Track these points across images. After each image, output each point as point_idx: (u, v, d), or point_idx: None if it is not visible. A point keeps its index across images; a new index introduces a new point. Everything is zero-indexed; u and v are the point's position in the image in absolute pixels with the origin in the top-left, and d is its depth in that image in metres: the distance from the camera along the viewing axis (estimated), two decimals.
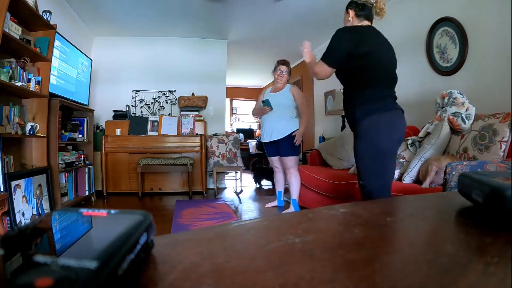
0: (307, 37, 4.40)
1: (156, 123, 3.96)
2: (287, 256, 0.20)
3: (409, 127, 2.67)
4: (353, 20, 1.59)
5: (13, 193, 2.05)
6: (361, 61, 1.48)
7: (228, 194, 4.02)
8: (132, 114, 4.12)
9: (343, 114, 3.57)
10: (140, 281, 0.17)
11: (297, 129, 2.83)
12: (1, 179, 1.94)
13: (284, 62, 2.96)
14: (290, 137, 2.80)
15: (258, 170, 4.72)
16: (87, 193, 3.26)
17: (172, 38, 4.39)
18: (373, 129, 1.45)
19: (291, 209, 2.84)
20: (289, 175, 2.84)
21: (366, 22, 1.59)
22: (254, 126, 8.33)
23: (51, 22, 2.59)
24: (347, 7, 1.62)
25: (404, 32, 2.98)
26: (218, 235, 0.25)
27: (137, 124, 3.89)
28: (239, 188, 4.03)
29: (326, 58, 1.56)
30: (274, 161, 2.96)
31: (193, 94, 4.31)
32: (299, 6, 3.39)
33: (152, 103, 4.32)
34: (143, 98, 4.30)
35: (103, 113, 3.97)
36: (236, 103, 8.28)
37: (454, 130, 2.01)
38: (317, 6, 3.37)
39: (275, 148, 2.87)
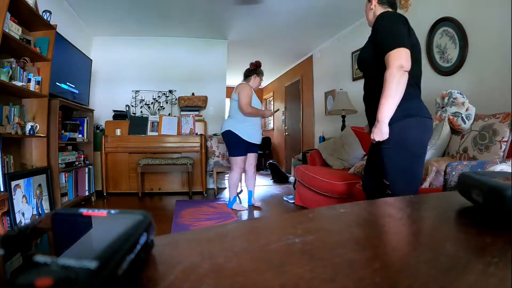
0: (307, 37, 4.42)
1: (156, 123, 3.96)
2: (287, 256, 0.20)
3: None
4: (376, 8, 1.44)
5: (13, 193, 2.05)
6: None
7: (228, 194, 4.01)
8: (132, 114, 4.12)
9: (343, 114, 3.60)
10: (140, 281, 0.17)
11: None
12: (1, 179, 1.94)
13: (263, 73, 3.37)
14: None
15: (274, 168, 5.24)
16: (87, 193, 3.26)
17: (172, 38, 4.39)
18: (409, 130, 1.29)
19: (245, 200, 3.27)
20: (253, 170, 3.17)
21: (390, 10, 1.43)
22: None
23: (51, 22, 2.59)
24: None
25: None
26: (218, 235, 0.25)
27: (137, 124, 3.89)
28: (239, 188, 4.02)
29: (401, 42, 1.23)
30: (243, 161, 2.98)
31: (193, 94, 4.31)
32: (299, 6, 3.39)
33: (152, 103, 4.32)
34: (143, 98, 4.30)
35: (103, 113, 3.97)
36: None
37: (454, 130, 2.01)
38: (317, 6, 3.37)
39: (251, 148, 3.01)
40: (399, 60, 1.21)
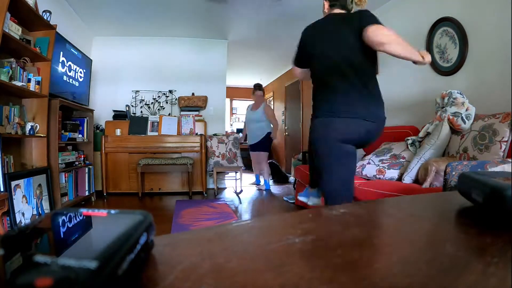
0: None
1: (156, 123, 3.96)
2: (287, 256, 0.20)
3: (409, 127, 2.68)
4: (328, 11, 1.55)
5: (13, 193, 2.05)
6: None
7: (228, 194, 4.02)
8: (132, 114, 4.12)
9: None
10: (140, 281, 0.17)
11: (269, 132, 4.11)
12: (1, 179, 1.94)
13: (259, 88, 4.19)
14: (263, 140, 4.10)
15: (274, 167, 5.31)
16: (87, 193, 3.26)
17: (172, 38, 4.39)
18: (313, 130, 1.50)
19: (263, 186, 4.36)
20: (263, 164, 4.23)
21: (337, 10, 1.51)
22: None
23: (51, 22, 2.59)
24: None
25: (404, 32, 2.98)
26: (218, 235, 0.25)
27: (137, 124, 3.89)
28: (239, 188, 4.02)
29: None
30: (255, 155, 4.23)
31: (193, 94, 4.31)
32: (299, 6, 3.39)
33: (152, 103, 4.32)
34: (143, 98, 4.30)
35: (103, 113, 3.97)
36: (236, 103, 8.28)
37: (454, 130, 2.01)
38: (317, 6, 3.36)
39: (255, 147, 4.18)
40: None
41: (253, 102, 4.24)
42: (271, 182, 5.09)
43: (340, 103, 1.37)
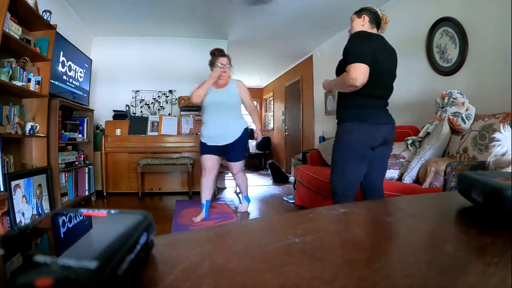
0: (307, 37, 4.42)
1: (156, 123, 3.96)
2: (287, 256, 0.20)
3: (409, 127, 2.68)
4: (366, 25, 1.63)
5: (13, 193, 2.05)
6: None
7: (228, 194, 4.02)
8: (132, 114, 4.12)
9: None
10: (140, 281, 0.17)
11: (246, 127, 2.62)
12: (1, 179, 1.94)
13: (222, 53, 2.66)
14: (240, 140, 2.55)
15: (274, 168, 5.27)
16: (87, 193, 3.26)
17: (172, 38, 4.39)
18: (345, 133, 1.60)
19: (245, 204, 2.92)
20: (239, 179, 2.76)
21: (375, 30, 1.65)
22: (254, 127, 8.32)
23: (51, 22, 2.59)
24: (360, 12, 1.65)
25: (404, 32, 2.98)
26: (218, 235, 0.25)
27: (137, 124, 3.89)
28: (239, 188, 4.02)
29: (357, 57, 1.47)
30: (210, 160, 2.53)
31: None
32: (299, 6, 3.39)
33: (152, 103, 4.32)
34: (143, 98, 4.30)
35: (103, 113, 3.97)
36: None
37: (454, 130, 2.01)
38: (317, 6, 3.37)
39: (220, 149, 2.55)
40: (353, 71, 1.46)
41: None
42: (270, 182, 5.10)
43: (386, 113, 1.63)
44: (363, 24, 1.63)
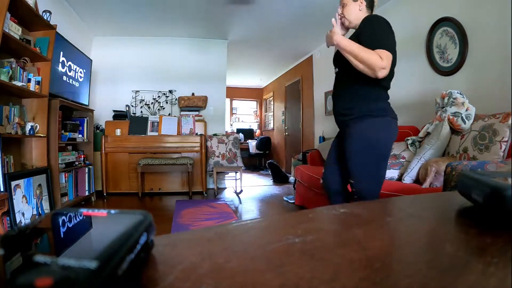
0: (307, 37, 4.42)
1: (156, 123, 3.96)
2: (287, 256, 0.20)
3: (409, 127, 2.68)
4: (363, 11, 1.48)
5: (13, 193, 2.05)
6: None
7: (228, 194, 4.02)
8: (132, 114, 4.12)
9: None
10: (140, 281, 0.17)
11: None
12: (1, 179, 1.93)
13: None
14: None
15: (274, 168, 5.23)
16: (87, 193, 3.26)
17: (172, 38, 4.39)
18: (378, 129, 1.35)
19: None
20: None
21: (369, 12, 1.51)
22: (254, 126, 8.33)
23: (51, 22, 2.59)
24: None
25: (404, 32, 2.98)
26: (218, 235, 0.25)
27: (137, 124, 3.89)
28: (239, 188, 4.03)
29: (391, 46, 1.29)
30: None
31: (193, 94, 4.31)
32: (299, 6, 3.39)
33: (152, 103, 4.32)
34: (143, 98, 4.30)
35: (103, 113, 3.97)
36: (236, 103, 8.28)
37: (454, 130, 2.01)
38: (317, 6, 3.37)
39: None
40: (387, 61, 1.24)
41: None
42: (270, 182, 5.10)
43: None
44: (360, 9, 1.48)
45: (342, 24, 1.54)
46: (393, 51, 1.28)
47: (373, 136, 1.33)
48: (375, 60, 1.23)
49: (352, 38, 1.41)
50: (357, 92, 1.38)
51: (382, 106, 1.36)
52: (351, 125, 1.38)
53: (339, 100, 1.47)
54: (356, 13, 1.48)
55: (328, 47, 1.50)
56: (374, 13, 1.52)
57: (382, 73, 1.23)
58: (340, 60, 1.43)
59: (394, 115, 1.40)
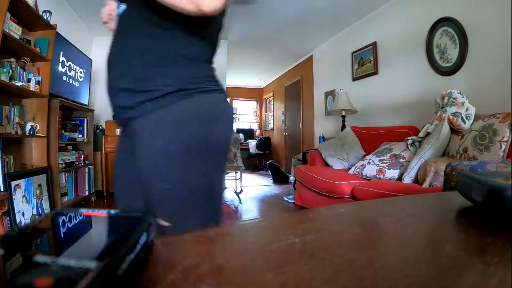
0: (307, 37, 4.41)
1: None
2: (287, 256, 0.20)
3: (409, 127, 2.68)
4: None
5: (13, 193, 2.05)
6: None
7: (228, 194, 4.02)
8: None
9: (343, 114, 3.59)
10: (140, 281, 0.17)
11: None
12: (1, 179, 1.93)
13: None
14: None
15: (274, 168, 5.24)
16: (87, 193, 3.26)
17: None
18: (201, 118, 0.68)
19: None
20: None
21: None
22: (254, 126, 8.33)
23: (51, 22, 2.59)
24: None
25: (404, 32, 2.98)
26: (218, 235, 0.25)
27: None
28: (239, 188, 4.02)
29: None
30: None
31: None
32: (299, 6, 3.39)
33: None
34: None
35: (103, 113, 3.97)
36: (236, 103, 8.28)
37: (454, 130, 2.01)
38: (317, 6, 3.37)
39: None
40: None
41: None
42: (270, 182, 5.10)
43: None
44: None
45: None
46: None
47: (191, 130, 0.66)
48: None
49: None
50: (157, 49, 0.67)
51: (205, 73, 0.73)
52: (145, 114, 0.67)
53: (120, 66, 0.71)
54: None
55: None
56: None
57: (211, 2, 0.60)
58: None
59: (221, 88, 0.76)
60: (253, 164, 7.20)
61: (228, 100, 0.77)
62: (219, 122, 0.70)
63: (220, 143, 0.70)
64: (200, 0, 0.60)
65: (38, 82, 2.46)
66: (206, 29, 0.73)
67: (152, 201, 0.68)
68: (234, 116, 0.81)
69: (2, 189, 1.94)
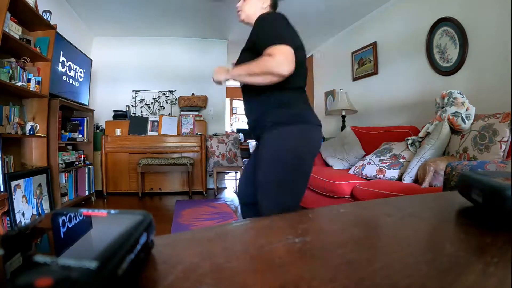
0: (307, 37, 4.41)
1: (156, 123, 3.96)
2: (287, 256, 0.20)
3: (409, 127, 2.68)
4: (266, 9, 1.34)
5: (13, 193, 2.05)
6: (298, 54, 1.10)
7: (228, 194, 4.02)
8: (132, 114, 4.12)
9: (343, 114, 3.59)
10: (140, 281, 0.17)
11: None
12: (1, 179, 1.93)
13: None
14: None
15: None
16: (87, 193, 3.26)
17: (172, 38, 4.39)
18: (288, 138, 1.13)
19: None
20: None
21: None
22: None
23: (51, 22, 2.59)
24: None
25: (404, 32, 2.98)
26: (218, 235, 0.25)
27: (137, 124, 3.89)
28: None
29: (287, 40, 1.06)
30: None
31: (193, 94, 4.31)
32: (299, 6, 3.39)
33: (152, 103, 4.32)
34: (143, 98, 4.30)
35: (103, 113, 3.97)
36: (236, 103, 8.28)
37: (454, 130, 2.01)
38: (317, 6, 3.37)
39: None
40: (280, 54, 1.01)
41: None
42: None
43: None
44: (264, 7, 1.32)
45: (239, 17, 1.40)
46: (291, 42, 1.06)
47: (281, 147, 1.11)
48: (265, 64, 1.03)
49: (247, 43, 1.27)
50: (267, 100, 1.17)
51: (295, 112, 1.15)
52: (262, 135, 1.18)
53: (250, 110, 1.27)
54: (256, 9, 1.32)
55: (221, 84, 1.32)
56: None
57: (281, 69, 1.00)
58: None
59: (314, 120, 1.19)
60: None
61: (304, 128, 1.17)
62: (296, 141, 1.12)
63: (307, 154, 1.15)
64: (280, 70, 1.01)
65: (38, 82, 2.46)
66: (293, 81, 1.12)
67: (261, 180, 1.14)
68: (320, 139, 1.25)
69: (2, 189, 1.93)
